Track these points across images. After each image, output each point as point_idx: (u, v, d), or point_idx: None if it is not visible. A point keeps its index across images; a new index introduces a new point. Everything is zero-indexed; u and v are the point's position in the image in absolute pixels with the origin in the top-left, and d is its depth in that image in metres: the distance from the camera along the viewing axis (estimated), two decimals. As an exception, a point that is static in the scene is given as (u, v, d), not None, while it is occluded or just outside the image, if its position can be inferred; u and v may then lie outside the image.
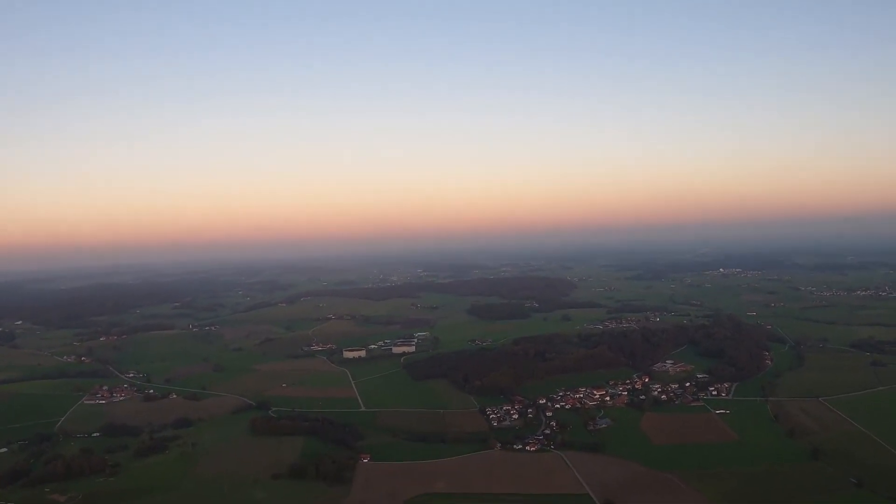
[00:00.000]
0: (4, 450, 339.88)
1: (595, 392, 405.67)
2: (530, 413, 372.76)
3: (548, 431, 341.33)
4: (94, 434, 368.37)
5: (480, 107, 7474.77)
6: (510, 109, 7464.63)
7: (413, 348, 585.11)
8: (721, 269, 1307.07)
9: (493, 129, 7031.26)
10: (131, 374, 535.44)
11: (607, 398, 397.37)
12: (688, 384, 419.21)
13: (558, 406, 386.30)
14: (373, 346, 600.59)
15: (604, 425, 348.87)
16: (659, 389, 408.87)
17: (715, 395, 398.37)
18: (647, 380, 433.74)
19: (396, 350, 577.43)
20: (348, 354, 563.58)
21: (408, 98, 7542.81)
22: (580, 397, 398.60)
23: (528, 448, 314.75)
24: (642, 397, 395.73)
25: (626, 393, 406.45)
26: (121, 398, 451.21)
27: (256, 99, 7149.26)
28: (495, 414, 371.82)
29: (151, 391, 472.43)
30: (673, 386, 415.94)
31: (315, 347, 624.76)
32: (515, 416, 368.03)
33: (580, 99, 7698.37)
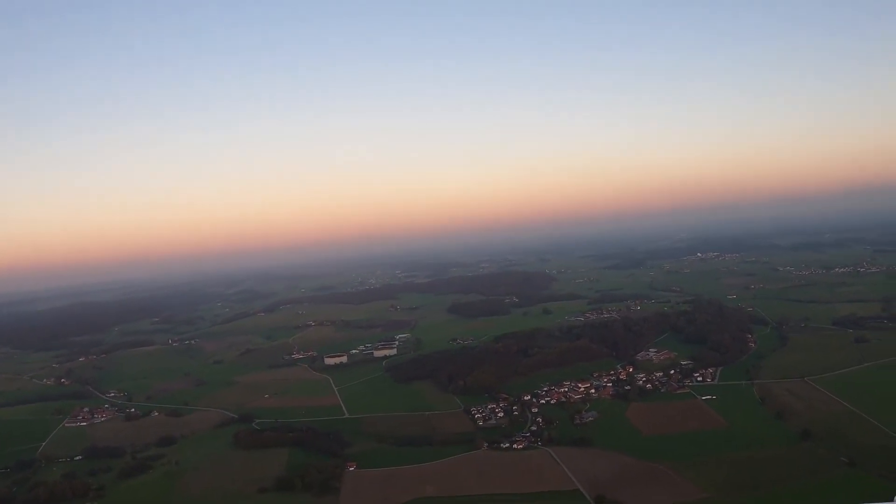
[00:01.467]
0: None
1: (580, 385, 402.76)
2: (515, 410, 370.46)
3: (534, 428, 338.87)
4: (77, 457, 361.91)
5: (449, 104, 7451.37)
6: (478, 105, 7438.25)
7: (394, 351, 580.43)
8: (699, 254, 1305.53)
9: (462, 126, 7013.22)
10: (112, 394, 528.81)
11: (592, 391, 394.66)
12: (672, 371, 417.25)
13: (543, 402, 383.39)
14: (354, 351, 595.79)
15: (590, 418, 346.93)
16: (643, 379, 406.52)
17: (700, 382, 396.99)
18: (631, 369, 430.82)
19: (378, 354, 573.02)
20: (329, 361, 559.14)
21: (377, 98, 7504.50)
22: (565, 391, 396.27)
23: (515, 446, 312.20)
24: (627, 388, 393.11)
25: (610, 384, 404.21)
26: (102, 419, 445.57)
27: (225, 110, 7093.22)
28: (480, 413, 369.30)
29: (133, 410, 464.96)
30: (657, 374, 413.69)
31: (296, 355, 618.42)
32: (501, 415, 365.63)
33: (549, 91, 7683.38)
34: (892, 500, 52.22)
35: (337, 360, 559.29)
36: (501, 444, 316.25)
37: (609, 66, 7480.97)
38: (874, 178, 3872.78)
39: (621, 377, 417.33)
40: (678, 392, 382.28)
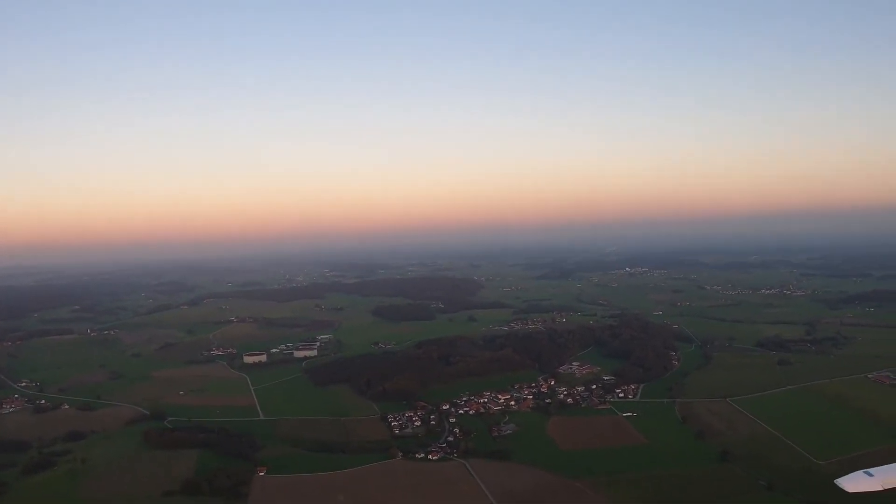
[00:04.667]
0: None
1: (500, 396, 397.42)
2: (433, 419, 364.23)
3: (451, 439, 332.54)
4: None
5: (384, 104, 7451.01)
6: (415, 107, 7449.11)
7: (315, 352, 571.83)
8: (627, 269, 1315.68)
9: (399, 127, 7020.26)
10: (24, 383, 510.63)
11: (512, 402, 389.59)
12: (594, 386, 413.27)
13: (462, 412, 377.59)
14: (274, 351, 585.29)
15: (509, 431, 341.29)
16: (565, 392, 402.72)
17: (622, 398, 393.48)
18: (552, 382, 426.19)
19: (298, 354, 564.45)
20: (248, 359, 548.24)
21: (312, 93, 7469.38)
22: (485, 402, 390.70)
23: (430, 457, 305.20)
24: (548, 401, 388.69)
25: (531, 397, 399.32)
26: (11, 409, 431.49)
27: (155, 98, 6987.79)
28: (397, 421, 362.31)
29: (43, 402, 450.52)
30: (579, 388, 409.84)
31: (215, 352, 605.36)
32: (418, 423, 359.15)
33: (490, 95, 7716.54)
34: None
35: (256, 359, 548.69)
36: (416, 454, 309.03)
37: (553, 80, 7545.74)
38: (800, 204, 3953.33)
39: (543, 390, 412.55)
40: (599, 407, 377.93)
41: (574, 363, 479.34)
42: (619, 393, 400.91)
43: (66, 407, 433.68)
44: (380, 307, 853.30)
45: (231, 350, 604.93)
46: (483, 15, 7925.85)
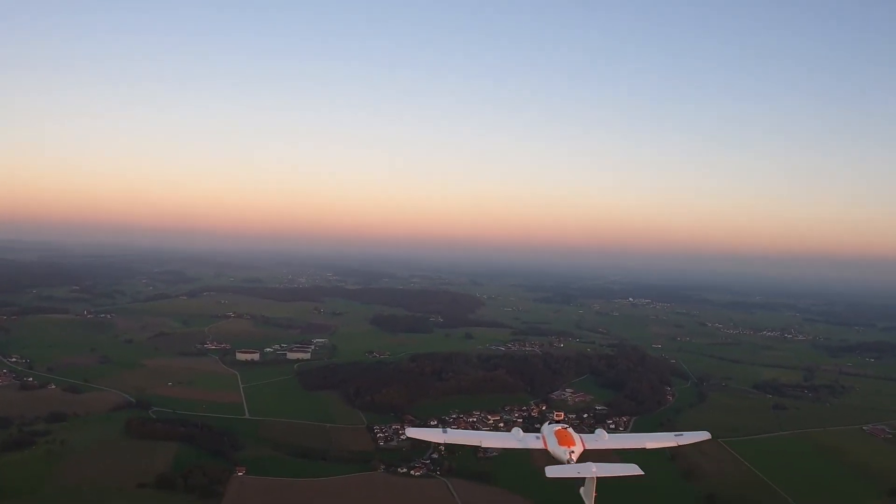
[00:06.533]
0: None
1: (489, 417, 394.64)
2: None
3: (435, 456, 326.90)
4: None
5: (406, 115, 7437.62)
6: (434, 118, 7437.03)
7: (308, 355, 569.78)
8: (630, 299, 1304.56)
9: (417, 137, 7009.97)
10: (14, 359, 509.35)
11: (501, 424, 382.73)
12: (585, 415, 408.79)
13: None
14: (268, 350, 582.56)
15: (495, 453, 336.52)
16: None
17: (613, 429, 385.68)
18: (544, 407, 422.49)
19: (291, 356, 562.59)
20: (241, 356, 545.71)
21: (335, 95, 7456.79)
22: (473, 422, 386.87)
23: (412, 473, 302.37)
24: (537, 426, 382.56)
25: (521, 420, 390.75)
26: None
27: (170, 88, 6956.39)
28: (383, 433, 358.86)
29: (30, 379, 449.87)
30: (570, 416, 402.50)
31: (209, 346, 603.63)
32: (404, 437, 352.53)
33: (509, 111, 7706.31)
34: None
35: (249, 357, 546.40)
36: (399, 469, 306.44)
37: (571, 107, 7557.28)
38: (808, 249, 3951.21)
39: (533, 414, 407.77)
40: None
41: (567, 390, 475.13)
42: (611, 424, 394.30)
43: (53, 387, 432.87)
44: (378, 316, 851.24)
45: (225, 345, 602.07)
46: (503, 37, 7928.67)
